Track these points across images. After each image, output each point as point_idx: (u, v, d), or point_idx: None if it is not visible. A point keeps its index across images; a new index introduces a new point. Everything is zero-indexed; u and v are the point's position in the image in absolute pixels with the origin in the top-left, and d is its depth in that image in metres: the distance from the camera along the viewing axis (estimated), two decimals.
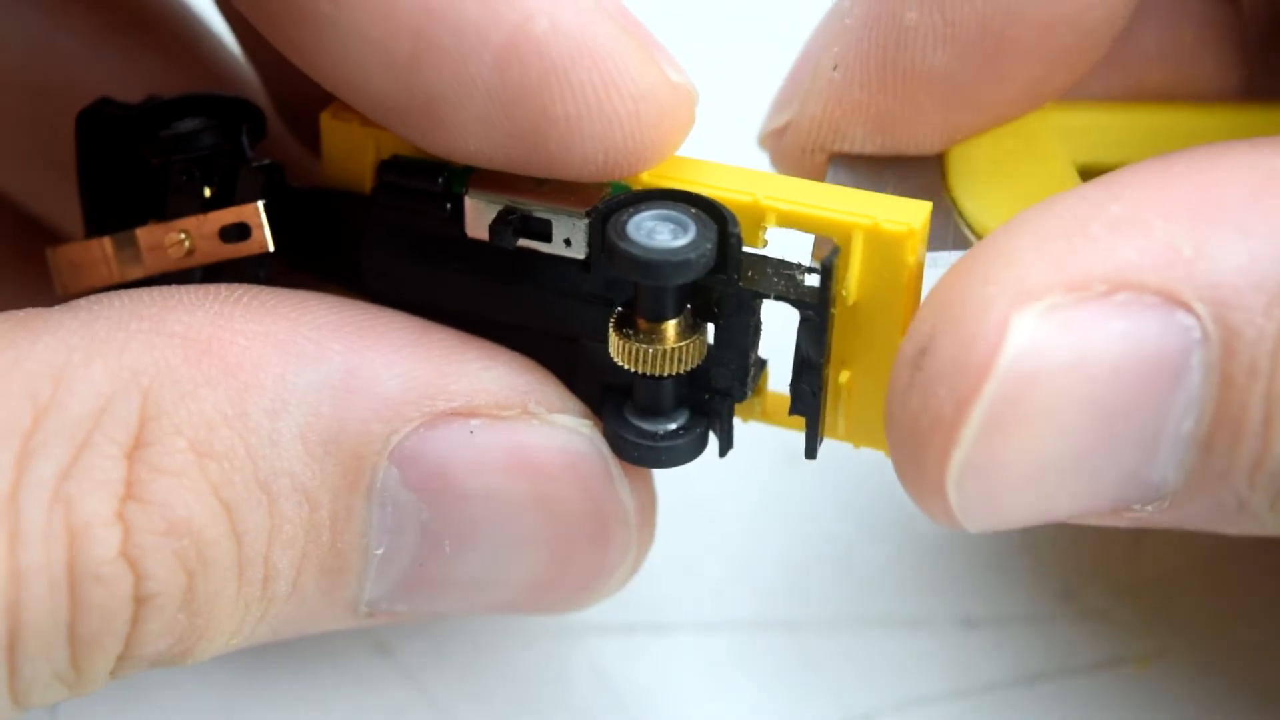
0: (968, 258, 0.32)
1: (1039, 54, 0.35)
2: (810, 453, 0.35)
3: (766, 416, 0.37)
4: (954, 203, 0.36)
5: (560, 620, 0.43)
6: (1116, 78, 0.39)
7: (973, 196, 0.36)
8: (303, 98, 0.39)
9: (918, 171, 0.37)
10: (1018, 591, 0.43)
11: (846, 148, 0.37)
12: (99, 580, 0.31)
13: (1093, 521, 0.33)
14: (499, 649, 0.43)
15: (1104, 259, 0.31)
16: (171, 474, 0.32)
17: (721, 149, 0.37)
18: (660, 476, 0.37)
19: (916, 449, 0.31)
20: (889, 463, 0.33)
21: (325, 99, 0.36)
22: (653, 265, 0.32)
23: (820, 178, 0.37)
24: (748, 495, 0.45)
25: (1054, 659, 0.42)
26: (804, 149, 0.37)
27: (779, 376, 0.37)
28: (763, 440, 0.38)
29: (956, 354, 0.30)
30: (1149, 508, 0.32)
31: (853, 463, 0.37)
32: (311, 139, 0.38)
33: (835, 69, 0.36)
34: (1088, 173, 0.36)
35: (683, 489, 0.41)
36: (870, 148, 0.37)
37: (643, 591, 0.38)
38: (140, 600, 0.32)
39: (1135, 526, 0.34)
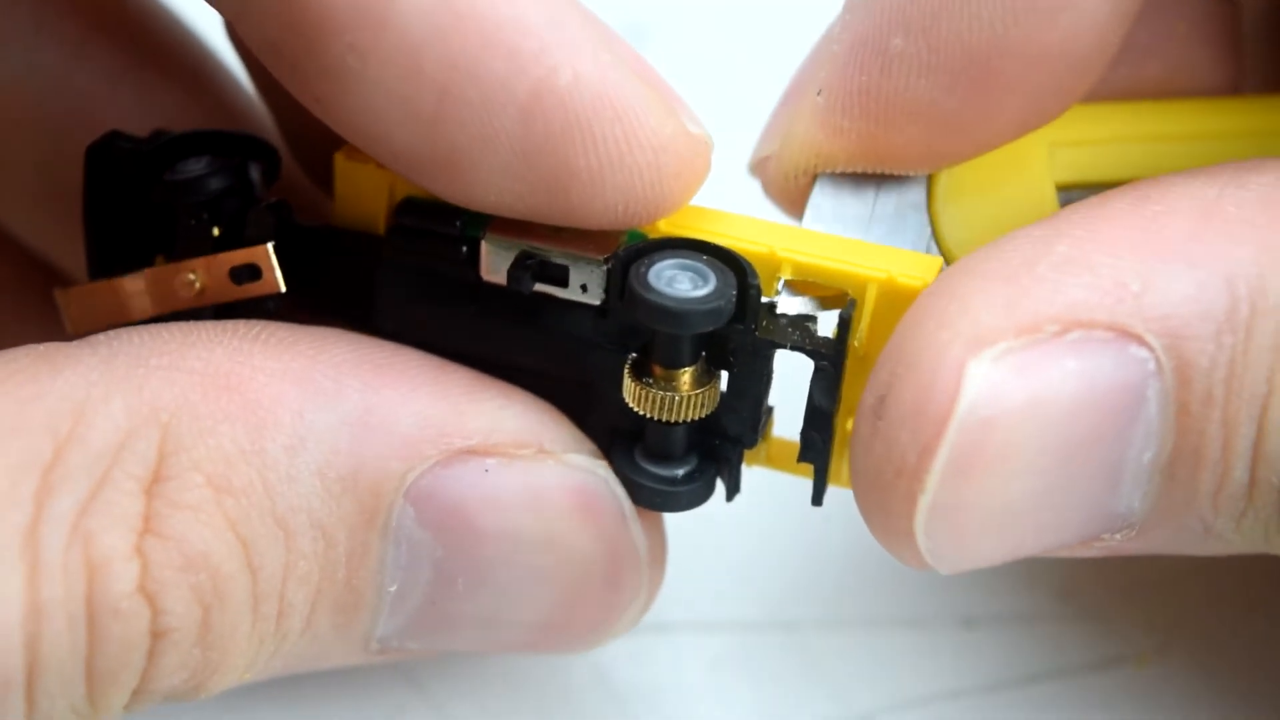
0: (922, 303, 0.32)
1: (1027, 86, 0.35)
2: (817, 499, 0.36)
3: (771, 462, 0.37)
4: (933, 225, 0.37)
5: None
6: (1111, 71, 0.38)
7: (951, 219, 0.37)
8: (316, 136, 0.39)
9: (903, 188, 0.37)
10: (1017, 591, 0.44)
11: (830, 171, 0.37)
12: (117, 615, 0.31)
13: (1064, 554, 0.34)
14: None
15: (1053, 300, 0.31)
16: (189, 509, 0.32)
17: (726, 190, 0.37)
18: None
19: (883, 496, 0.32)
20: None
21: (338, 138, 0.36)
22: (679, 314, 0.33)
23: (804, 202, 0.37)
24: (748, 496, 0.45)
25: (1054, 659, 0.42)
26: (788, 174, 0.37)
27: (783, 423, 0.37)
28: None
29: (916, 401, 0.31)
30: (1117, 536, 0.33)
31: None
32: (323, 177, 0.39)
33: (819, 93, 0.36)
34: (1072, 191, 0.37)
35: None
36: (854, 171, 0.37)
37: None
38: (157, 635, 0.32)
39: (1106, 555, 0.34)
